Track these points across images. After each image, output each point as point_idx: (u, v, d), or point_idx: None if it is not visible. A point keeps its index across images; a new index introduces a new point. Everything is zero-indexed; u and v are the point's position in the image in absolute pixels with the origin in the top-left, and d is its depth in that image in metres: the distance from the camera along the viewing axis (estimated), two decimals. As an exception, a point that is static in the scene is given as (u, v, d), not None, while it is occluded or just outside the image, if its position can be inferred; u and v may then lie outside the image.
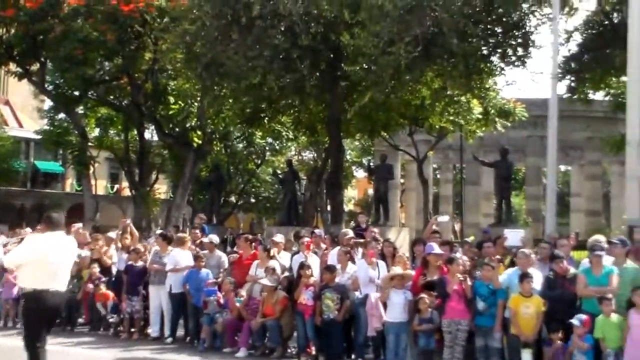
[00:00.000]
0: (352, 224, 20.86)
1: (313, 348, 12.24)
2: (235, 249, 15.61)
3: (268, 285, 12.51)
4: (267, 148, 40.83)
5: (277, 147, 40.79)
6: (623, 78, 19.40)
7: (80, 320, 15.50)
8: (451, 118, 22.94)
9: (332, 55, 19.18)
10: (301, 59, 17.74)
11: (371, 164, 30.88)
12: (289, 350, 12.59)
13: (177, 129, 30.84)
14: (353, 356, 12.14)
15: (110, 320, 14.56)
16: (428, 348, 11.00)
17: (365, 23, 16.96)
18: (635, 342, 9.25)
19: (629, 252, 10.76)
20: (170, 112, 29.87)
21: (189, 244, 14.66)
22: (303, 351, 12.20)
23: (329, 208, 30.99)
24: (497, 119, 24.49)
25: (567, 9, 20.32)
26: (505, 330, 10.59)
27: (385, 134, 27.55)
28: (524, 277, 10.30)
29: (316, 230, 15.70)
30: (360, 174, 51.62)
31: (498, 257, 11.66)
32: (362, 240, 13.02)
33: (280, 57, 18.08)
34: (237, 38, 18.31)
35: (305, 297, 12.01)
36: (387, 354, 11.30)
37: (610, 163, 42.68)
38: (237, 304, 12.99)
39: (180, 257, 13.93)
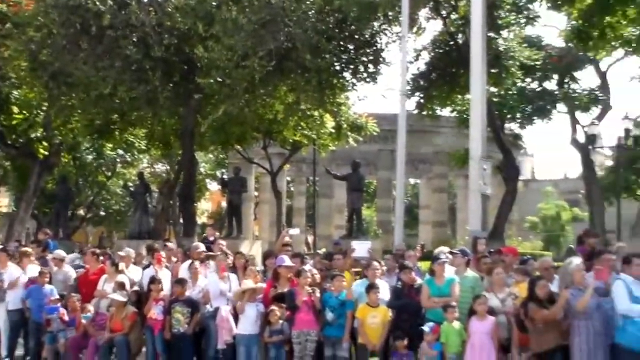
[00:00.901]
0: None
1: (162, 364, 12.05)
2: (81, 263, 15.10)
3: (117, 300, 12.20)
4: (118, 160, 39.82)
5: (129, 159, 39.84)
6: (467, 96, 20.30)
7: None
8: (304, 132, 23.29)
9: (185, 68, 19.01)
10: (154, 71, 17.49)
11: (225, 176, 30.81)
12: (137, 367, 12.32)
13: (20, 140, 29.49)
14: (204, 370, 12.05)
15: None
16: (278, 359, 11.09)
17: (219, 36, 16.95)
18: (474, 347, 9.68)
19: (470, 262, 11.28)
20: (14, 122, 28.50)
21: (33, 258, 14.06)
22: (152, 366, 11.98)
23: (181, 221, 30.56)
24: (349, 133, 25.05)
25: (415, 29, 21.04)
26: (353, 340, 10.84)
27: (239, 146, 27.57)
28: (371, 287, 10.58)
29: (168, 244, 15.47)
30: (214, 186, 51.28)
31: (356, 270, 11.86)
32: (213, 254, 12.94)
33: (132, 68, 17.75)
34: (87, 47, 17.79)
35: (155, 312, 11.81)
36: (238, 367, 11.30)
37: (456, 177, 44.52)
38: (84, 321, 12.58)
39: (18, 272, 13.32)
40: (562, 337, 9.31)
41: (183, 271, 12.58)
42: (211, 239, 15.47)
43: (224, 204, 41.53)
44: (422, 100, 24.28)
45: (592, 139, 29.34)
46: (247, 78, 16.91)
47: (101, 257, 13.64)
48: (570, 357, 9.07)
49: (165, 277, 12.57)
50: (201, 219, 48.11)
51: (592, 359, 8.90)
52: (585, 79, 66.19)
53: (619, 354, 8.87)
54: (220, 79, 17.46)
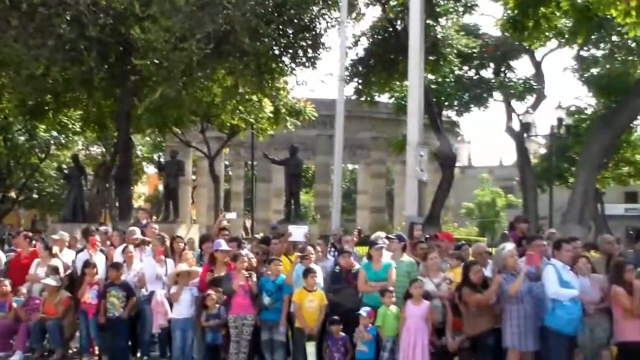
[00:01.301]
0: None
1: (96, 348, 11.90)
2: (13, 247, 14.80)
3: (51, 285, 11.99)
4: (51, 142, 39.03)
5: (63, 141, 39.08)
6: (405, 82, 20.45)
7: None
8: (243, 116, 23.15)
9: (121, 49, 18.65)
10: (88, 51, 17.11)
11: (161, 159, 30.50)
12: (70, 352, 12.14)
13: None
14: (139, 354, 11.94)
15: None
16: (215, 343, 11.07)
17: (156, 17, 16.66)
18: (409, 330, 9.79)
19: (406, 247, 11.39)
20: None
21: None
22: (86, 351, 11.83)
23: (117, 204, 30.13)
24: (287, 118, 25.02)
25: (354, 14, 21.08)
26: (290, 324, 10.87)
27: (176, 130, 27.30)
28: (308, 272, 10.60)
29: (102, 227, 15.24)
30: (150, 169, 50.70)
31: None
32: (149, 238, 12.79)
33: (66, 47, 17.30)
34: (17, 25, 17.25)
35: (89, 296, 11.66)
36: (173, 351, 11.23)
37: (394, 162, 44.91)
38: (15, 305, 12.32)
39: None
40: (495, 321, 9.50)
41: (118, 255, 12.42)
42: (144, 222, 15.28)
43: (160, 187, 41.14)
44: (360, 86, 24.39)
45: (526, 127, 29.91)
46: (185, 61, 16.69)
47: (34, 241, 13.38)
48: (502, 339, 9.27)
49: (100, 261, 12.39)
50: (138, 203, 47.58)
51: (522, 342, 9.11)
52: (521, 68, 67.65)
53: (547, 337, 9.10)
54: (157, 61, 17.22)
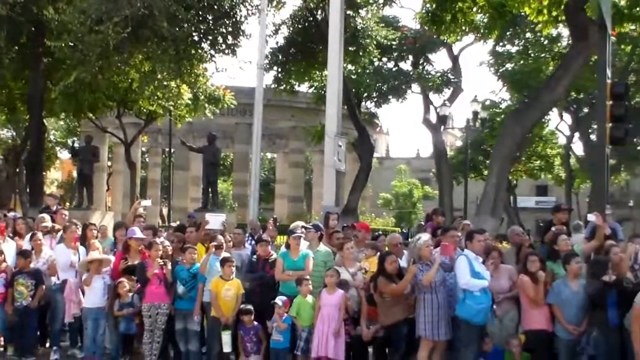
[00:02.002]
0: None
1: (2, 339, 11.56)
2: None
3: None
4: (-41, 124, 37.69)
5: (-29, 124, 37.80)
6: (325, 72, 20.51)
7: None
8: (161, 102, 22.78)
9: (33, 29, 18.09)
10: (-3, 30, 16.57)
11: (75, 145, 29.74)
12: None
13: None
14: (48, 345, 11.64)
15: None
16: (128, 332, 10.90)
17: (71, -2, 16.27)
18: (324, 318, 9.83)
19: (322, 237, 11.44)
20: None
21: None
22: (-8, 342, 11.49)
23: (28, 190, 29.29)
24: (206, 105, 24.75)
25: (275, 2, 21.01)
26: (204, 313, 10.78)
27: (92, 115, 26.67)
28: (225, 261, 10.52)
29: (10, 214, 14.79)
30: (64, 155, 49.52)
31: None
32: (60, 225, 12.46)
33: (-28, 25, 16.72)
34: None
35: (-4, 285, 11.29)
36: (85, 341, 11.00)
37: (313, 152, 45.06)
38: None
39: None
40: (409, 311, 9.65)
41: (27, 243, 12.05)
42: (53, 208, 14.88)
43: (74, 173, 40.22)
44: (280, 75, 24.36)
45: (443, 119, 30.44)
46: (101, 44, 16.31)
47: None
48: (416, 329, 9.41)
49: (8, 248, 11.99)
50: (50, 189, 46.37)
51: (435, 331, 9.28)
52: (439, 61, 68.91)
53: (458, 326, 9.30)
54: (72, 44, 16.78)
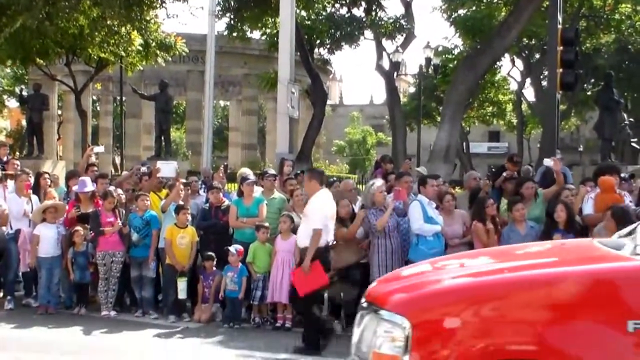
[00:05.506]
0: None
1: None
2: None
3: None
4: None
5: None
6: (278, 19, 20.33)
7: None
8: (111, 49, 22.34)
9: (-25, -27, 17.54)
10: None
11: (24, 93, 29.14)
12: None
13: None
14: (1, 294, 11.58)
15: None
16: (83, 281, 10.90)
17: (15, -59, 15.76)
18: (278, 264, 9.95)
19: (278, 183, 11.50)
20: None
21: None
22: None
23: (-24, 140, 28.74)
24: (158, 52, 24.35)
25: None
26: (159, 260, 10.82)
27: (40, 62, 26.10)
28: (180, 208, 10.54)
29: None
30: (12, 103, 48.53)
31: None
32: (12, 173, 12.29)
33: None
34: None
35: (-54, 235, 11.14)
36: (40, 290, 10.99)
37: (266, 99, 44.82)
38: None
39: None
40: (362, 254, 9.80)
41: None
42: (4, 159, 14.64)
43: (24, 122, 39.50)
44: (232, 22, 24.07)
45: (396, 66, 30.43)
46: (48, -11, 15.91)
47: None
48: (370, 273, 9.57)
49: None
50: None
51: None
52: (391, 7, 68.62)
53: (411, 270, 9.47)
54: (17, -11, 16.31)
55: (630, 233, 4.69)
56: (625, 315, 3.63)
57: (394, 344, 3.87)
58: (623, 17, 32.89)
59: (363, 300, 4.43)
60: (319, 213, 8.75)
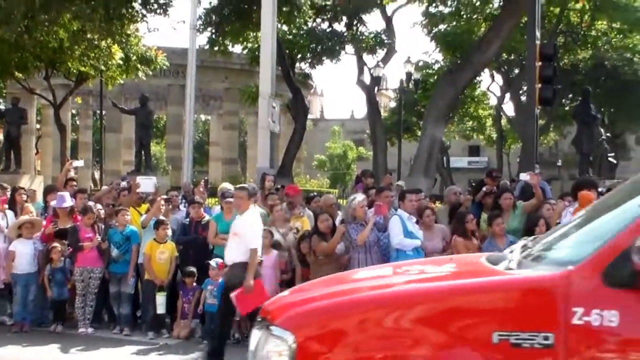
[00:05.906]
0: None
1: None
2: None
3: None
4: None
5: None
6: (259, 33, 20.35)
7: None
8: (91, 63, 22.27)
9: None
10: None
11: (2, 107, 28.96)
12: None
13: None
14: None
15: None
16: (61, 298, 10.78)
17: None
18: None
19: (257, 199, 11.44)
20: None
21: None
22: None
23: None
24: (138, 66, 24.29)
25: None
26: (138, 276, 10.73)
27: (19, 75, 25.92)
28: (160, 223, 10.47)
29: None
30: (-10, 117, 48.07)
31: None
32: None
33: None
34: None
35: None
36: (15, 306, 10.85)
37: (247, 114, 44.79)
38: None
39: None
40: (340, 269, 9.74)
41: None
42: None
43: (1, 136, 39.19)
44: (214, 36, 24.07)
45: (377, 80, 30.55)
46: (26, 3, 15.82)
47: None
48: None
49: None
50: (-24, 152, 45.13)
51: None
52: (372, 22, 68.87)
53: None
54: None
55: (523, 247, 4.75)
56: (490, 327, 3.71)
57: (281, 359, 3.89)
58: (599, 34, 33.23)
59: (258, 316, 4.46)
60: (254, 231, 8.77)
